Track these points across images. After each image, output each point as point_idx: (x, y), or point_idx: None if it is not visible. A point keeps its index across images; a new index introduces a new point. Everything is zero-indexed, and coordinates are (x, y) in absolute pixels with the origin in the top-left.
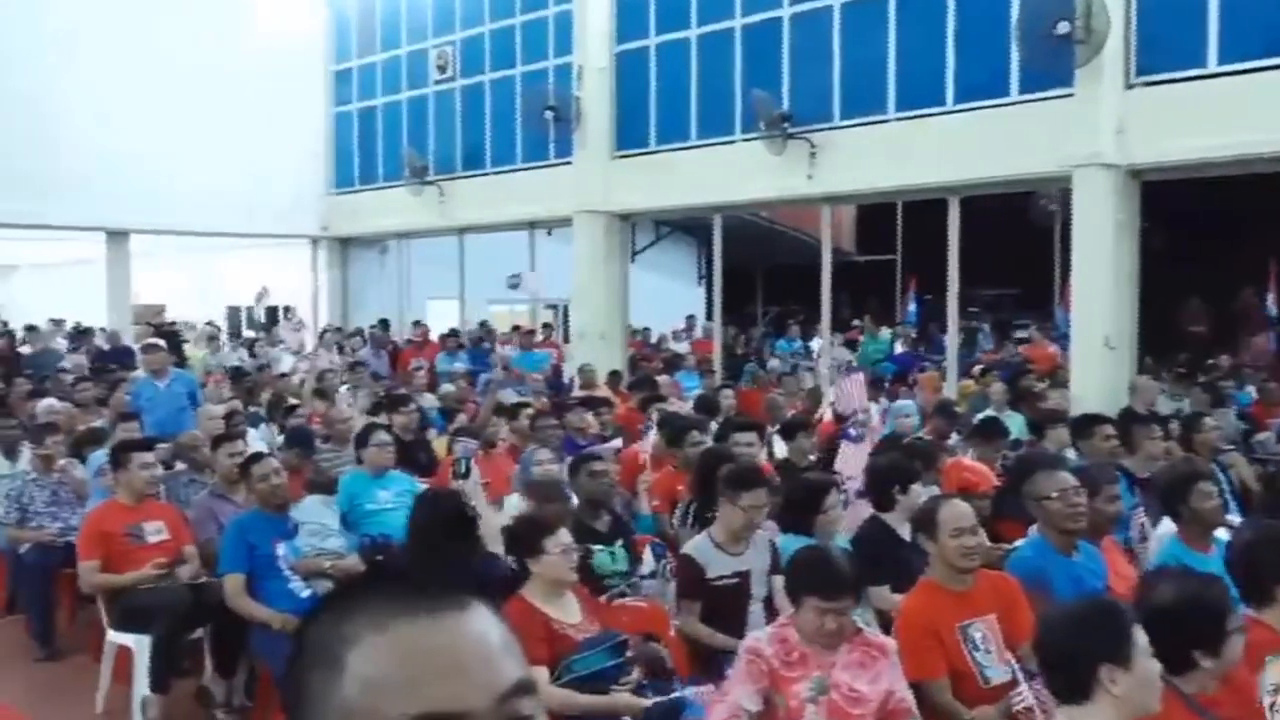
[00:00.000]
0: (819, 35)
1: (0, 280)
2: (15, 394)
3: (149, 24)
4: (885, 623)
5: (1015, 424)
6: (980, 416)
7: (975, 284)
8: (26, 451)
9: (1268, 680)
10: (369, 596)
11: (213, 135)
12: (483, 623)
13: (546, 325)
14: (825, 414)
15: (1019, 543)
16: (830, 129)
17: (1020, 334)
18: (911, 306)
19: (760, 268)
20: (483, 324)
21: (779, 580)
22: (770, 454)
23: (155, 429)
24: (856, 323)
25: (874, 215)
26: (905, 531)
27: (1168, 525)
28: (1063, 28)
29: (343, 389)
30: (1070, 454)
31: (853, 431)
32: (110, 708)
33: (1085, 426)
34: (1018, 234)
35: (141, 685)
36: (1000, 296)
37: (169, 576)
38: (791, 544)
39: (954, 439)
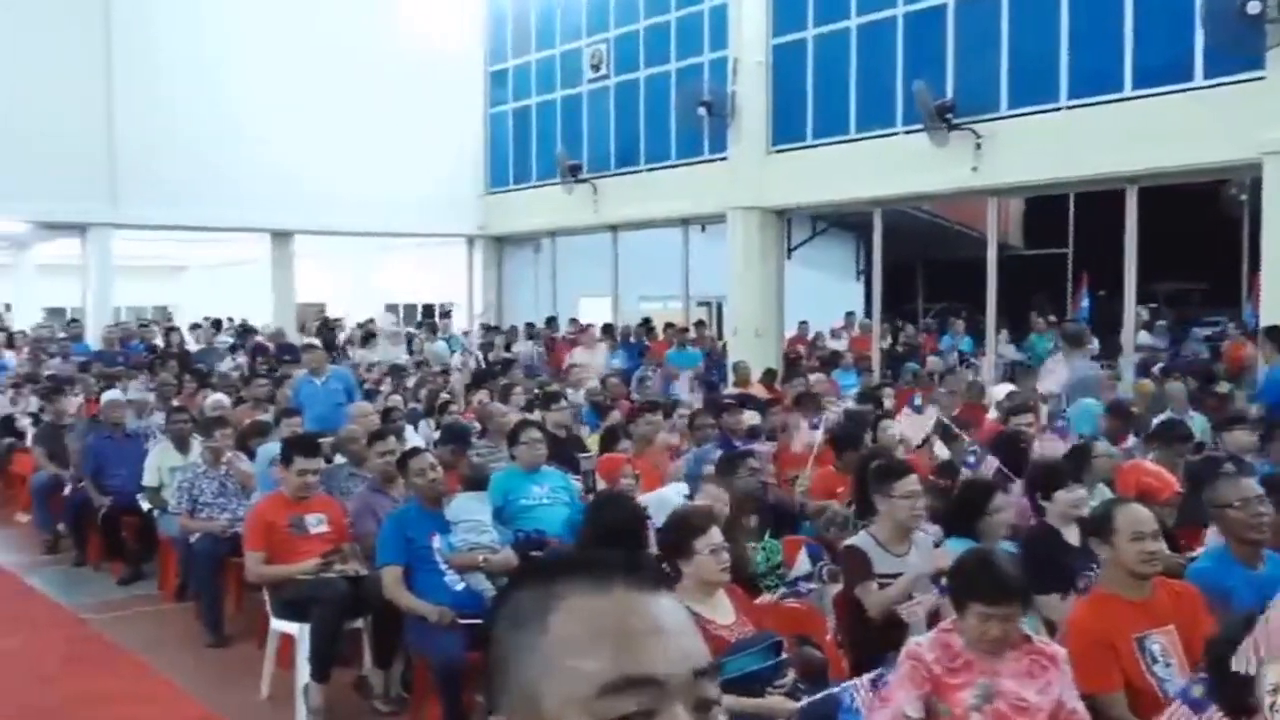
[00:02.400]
0: (985, 22)
1: (170, 280)
2: (185, 389)
3: (310, 33)
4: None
5: (1197, 425)
6: (1160, 418)
7: (1154, 278)
8: (197, 444)
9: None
10: (575, 568)
11: (372, 138)
12: (673, 602)
13: (700, 323)
14: (991, 413)
15: (1199, 551)
16: (997, 119)
17: (1205, 331)
18: (1084, 302)
19: (921, 263)
20: (645, 321)
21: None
22: (931, 455)
23: (314, 424)
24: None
25: (1043, 207)
26: (1071, 536)
27: None
28: (1253, 7)
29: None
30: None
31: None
32: (274, 693)
33: (1274, 429)
34: (1201, 225)
35: (303, 673)
36: (1182, 291)
37: (329, 567)
38: (957, 547)
39: (1131, 441)
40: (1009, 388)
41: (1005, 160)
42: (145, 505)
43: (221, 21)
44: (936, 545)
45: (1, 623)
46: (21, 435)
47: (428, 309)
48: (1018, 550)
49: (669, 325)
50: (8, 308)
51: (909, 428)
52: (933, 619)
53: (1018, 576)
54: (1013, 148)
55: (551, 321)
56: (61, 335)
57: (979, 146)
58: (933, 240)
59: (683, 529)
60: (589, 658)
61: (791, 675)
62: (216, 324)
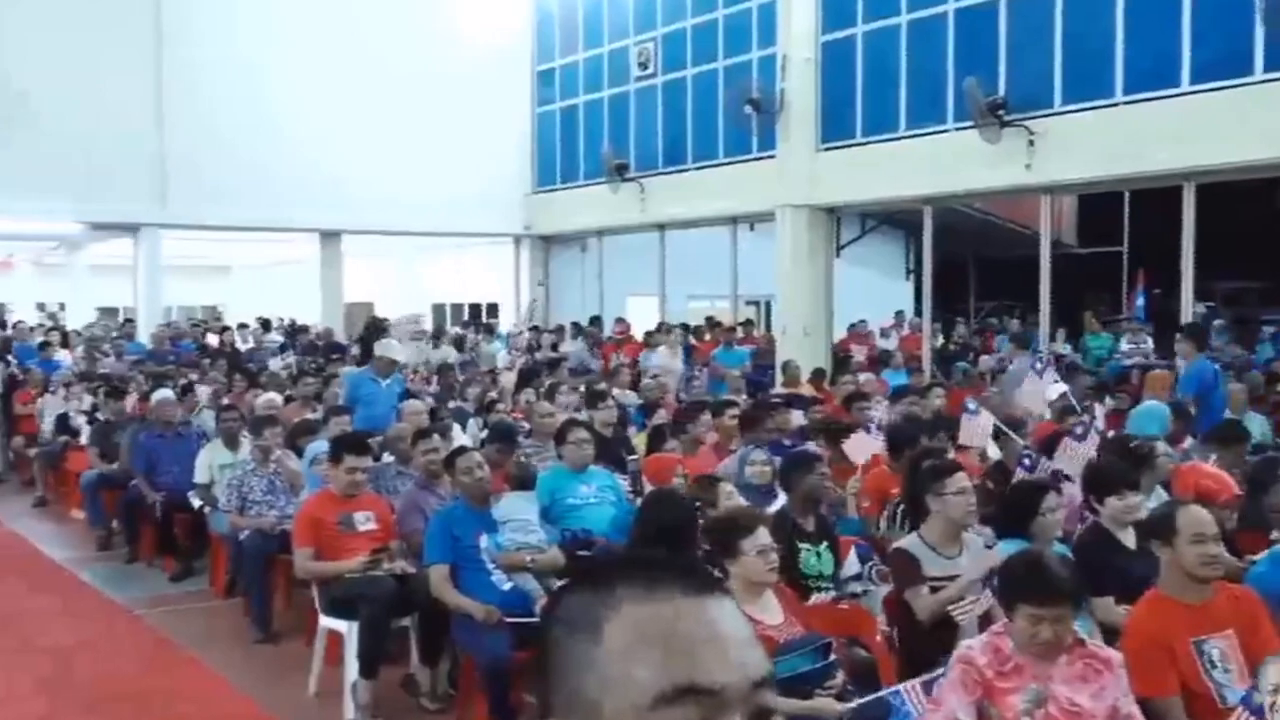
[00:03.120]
0: (1039, 17)
1: (219, 280)
2: (235, 388)
3: (358, 35)
4: (1109, 637)
5: (1255, 426)
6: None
7: (1212, 276)
8: (246, 442)
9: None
10: (631, 572)
11: (420, 138)
12: (732, 609)
13: (748, 322)
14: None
15: (1260, 555)
16: (1050, 115)
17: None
18: (1139, 301)
19: (973, 261)
20: (684, 326)
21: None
22: (983, 456)
23: (369, 423)
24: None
25: (1097, 204)
26: (1126, 538)
27: None
28: None
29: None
30: None
31: (1079, 429)
32: (322, 689)
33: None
34: (1263, 222)
35: (351, 669)
36: (1241, 290)
37: (376, 565)
38: (1008, 548)
39: (1189, 443)
40: (1062, 387)
41: (1059, 157)
42: (196, 502)
43: (268, 24)
44: (988, 547)
45: (58, 618)
46: (76, 433)
47: (474, 308)
48: (1070, 552)
49: (715, 324)
50: (62, 307)
51: (968, 433)
52: (985, 622)
53: (1068, 577)
54: (1066, 144)
55: (597, 320)
56: (115, 334)
57: (1032, 143)
58: (984, 238)
59: (730, 529)
60: (644, 667)
61: (841, 677)
62: (265, 324)
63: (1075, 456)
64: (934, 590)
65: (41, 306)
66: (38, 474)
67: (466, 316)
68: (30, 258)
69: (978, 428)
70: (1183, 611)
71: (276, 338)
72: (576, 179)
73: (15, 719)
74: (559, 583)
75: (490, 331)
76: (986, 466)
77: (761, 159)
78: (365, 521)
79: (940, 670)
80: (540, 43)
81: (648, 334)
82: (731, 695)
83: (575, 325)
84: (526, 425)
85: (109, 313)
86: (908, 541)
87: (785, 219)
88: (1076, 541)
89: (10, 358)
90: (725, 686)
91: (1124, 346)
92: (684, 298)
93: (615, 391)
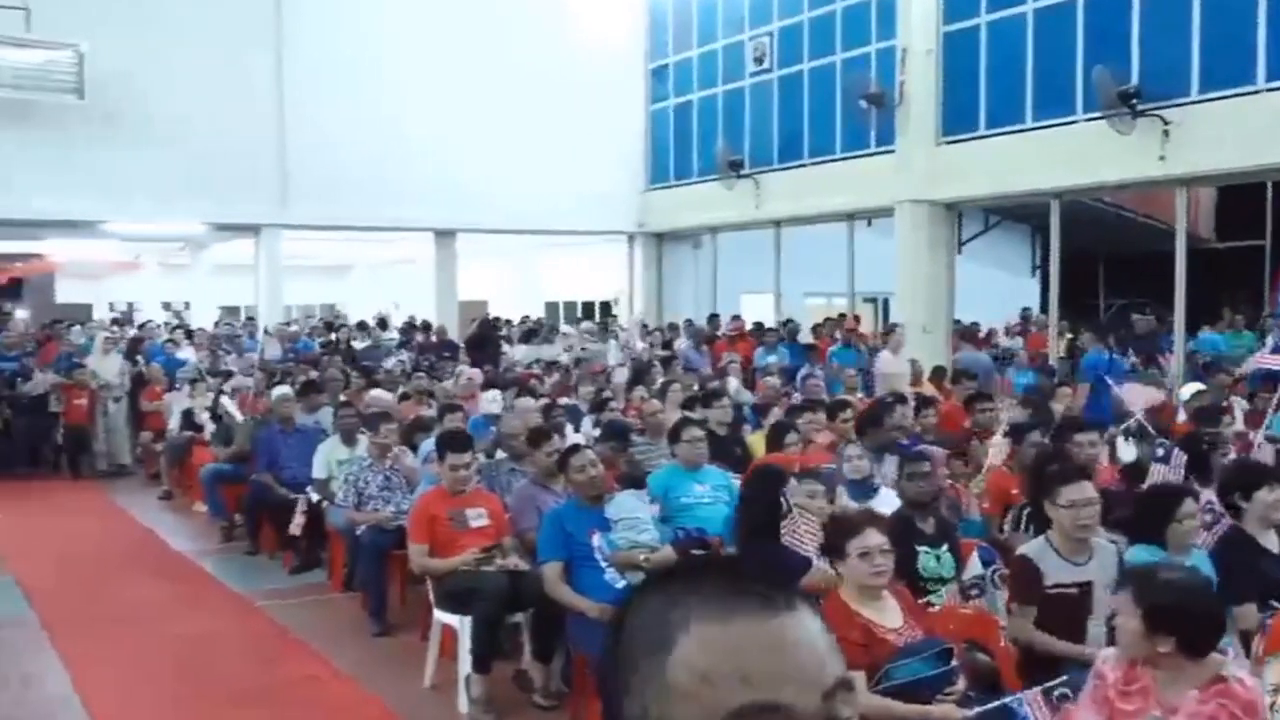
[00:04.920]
0: (1174, 2)
1: (336, 279)
2: (353, 386)
3: (472, 34)
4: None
5: None
6: None
7: None
8: (363, 439)
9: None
10: (700, 584)
11: (534, 137)
12: (810, 623)
13: (857, 319)
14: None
15: None
16: (1186, 104)
17: None
18: None
19: (1103, 256)
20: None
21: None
22: (1114, 457)
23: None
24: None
25: (1237, 197)
26: (1268, 541)
27: None
28: None
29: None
30: None
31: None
32: (437, 682)
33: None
34: None
35: (465, 664)
36: None
37: (488, 561)
38: (1140, 556)
39: None
40: (1197, 386)
41: (1195, 147)
42: (314, 497)
43: (385, 26)
44: (1120, 554)
45: (186, 608)
46: (200, 429)
47: (587, 306)
48: (1210, 558)
49: (827, 319)
50: (186, 306)
51: (1134, 396)
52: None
53: (1220, 616)
54: (1204, 134)
55: (714, 319)
56: (238, 333)
57: (1166, 133)
58: (1116, 233)
59: (838, 530)
60: (713, 685)
61: (962, 683)
62: (383, 322)
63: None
64: (1051, 597)
65: (167, 305)
66: (163, 468)
67: (580, 314)
68: (157, 258)
69: (1142, 393)
70: None
71: (394, 336)
72: (690, 176)
73: (153, 704)
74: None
75: (605, 329)
76: (1120, 467)
77: (879, 154)
78: (477, 518)
79: (1063, 678)
80: (654, 40)
81: (764, 330)
82: (802, 710)
83: (688, 322)
84: (639, 424)
85: (230, 311)
86: (1032, 547)
87: (904, 214)
88: (1217, 546)
89: (139, 356)
90: (794, 702)
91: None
92: (800, 295)
93: (731, 390)
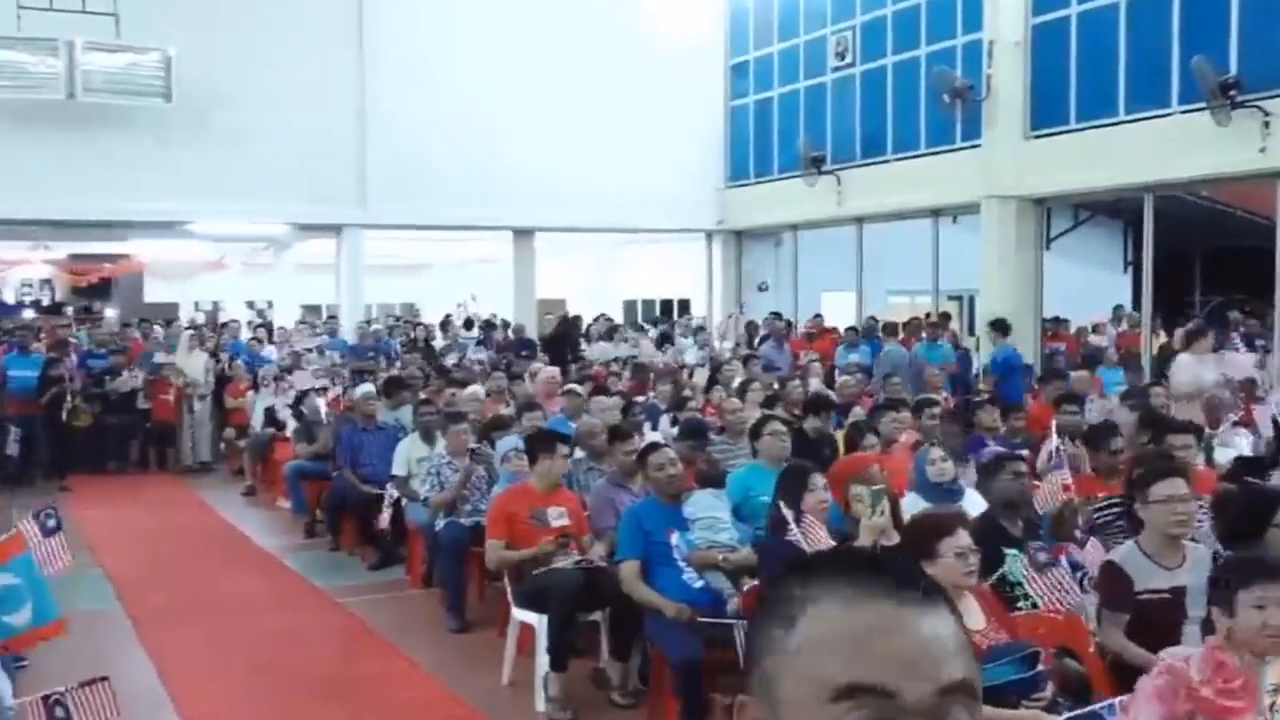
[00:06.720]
0: None
1: (416, 278)
2: (432, 384)
3: (551, 32)
4: None
5: None
6: None
7: None
8: (442, 437)
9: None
10: (836, 569)
11: (612, 135)
12: (941, 620)
13: (945, 316)
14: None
15: None
16: None
17: None
18: None
19: (1199, 252)
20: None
21: None
22: (1209, 460)
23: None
24: None
25: None
26: None
27: None
28: None
29: None
30: None
31: None
32: (515, 679)
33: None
34: None
35: (542, 662)
36: None
37: (563, 556)
38: None
39: None
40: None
41: None
42: (394, 494)
43: (465, 26)
44: (1215, 558)
45: (269, 603)
46: (283, 426)
47: (665, 304)
48: None
49: (913, 318)
50: (270, 304)
51: (1233, 366)
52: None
53: None
54: None
55: (776, 317)
56: (320, 332)
57: (1267, 125)
58: (1212, 227)
59: (928, 530)
60: (828, 661)
61: (1050, 689)
62: (468, 323)
63: None
64: (1144, 603)
65: (250, 304)
66: (246, 464)
67: (658, 312)
68: (241, 258)
69: (1242, 362)
70: None
71: (474, 334)
72: (770, 173)
73: (236, 697)
74: (750, 582)
75: (687, 328)
76: (1225, 469)
77: (965, 149)
78: (558, 517)
79: None
80: (734, 36)
81: (849, 330)
82: (913, 701)
83: (766, 320)
84: (718, 423)
85: (312, 310)
86: (1121, 552)
87: (991, 211)
88: None
89: (222, 354)
90: (904, 691)
91: None
92: (882, 292)
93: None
